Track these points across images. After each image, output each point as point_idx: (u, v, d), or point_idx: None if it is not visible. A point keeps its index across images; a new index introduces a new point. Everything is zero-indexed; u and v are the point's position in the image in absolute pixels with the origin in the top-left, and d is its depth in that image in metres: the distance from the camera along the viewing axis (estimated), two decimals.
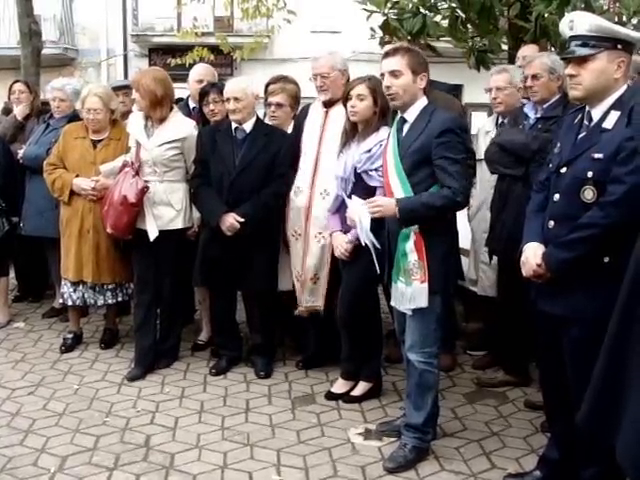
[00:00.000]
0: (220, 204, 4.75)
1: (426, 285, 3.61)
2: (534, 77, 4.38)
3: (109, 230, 4.94)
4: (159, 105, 4.85)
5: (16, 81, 6.78)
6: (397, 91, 3.70)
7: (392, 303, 3.84)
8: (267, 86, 5.22)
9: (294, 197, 4.75)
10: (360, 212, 3.81)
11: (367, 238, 3.88)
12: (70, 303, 5.35)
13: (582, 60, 3.03)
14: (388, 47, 4.12)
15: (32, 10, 9.87)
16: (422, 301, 3.63)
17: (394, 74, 3.69)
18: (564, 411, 3.28)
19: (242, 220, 4.68)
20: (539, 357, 3.60)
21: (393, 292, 3.79)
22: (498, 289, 4.87)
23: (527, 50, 5.38)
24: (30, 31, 9.68)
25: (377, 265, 3.96)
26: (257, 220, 4.71)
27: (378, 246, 3.91)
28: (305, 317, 4.86)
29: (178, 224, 4.97)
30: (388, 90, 3.73)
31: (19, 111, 6.40)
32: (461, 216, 5.13)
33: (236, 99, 4.75)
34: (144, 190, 4.84)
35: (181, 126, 4.96)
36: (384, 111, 4.22)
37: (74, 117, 5.65)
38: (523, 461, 3.83)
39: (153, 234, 4.88)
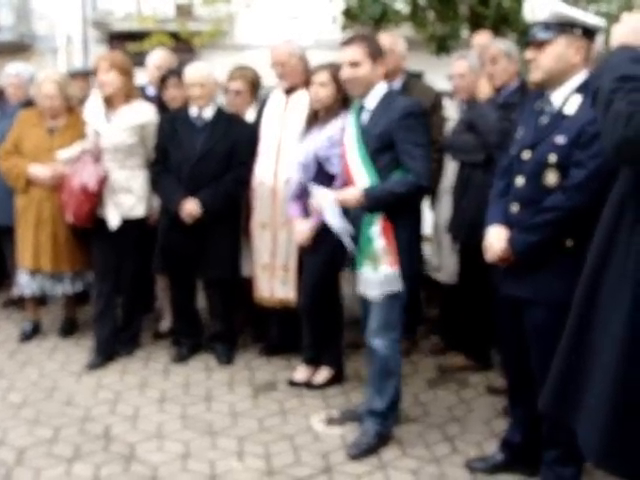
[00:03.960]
0: (179, 191, 4.72)
1: (396, 269, 3.61)
2: (493, 61, 4.40)
3: (70, 219, 4.86)
4: (131, 82, 4.86)
5: None
6: (358, 81, 3.69)
7: (358, 289, 3.82)
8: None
9: (259, 188, 4.71)
10: (328, 202, 3.77)
11: (340, 226, 3.84)
12: (29, 293, 5.26)
13: (541, 44, 3.07)
14: (347, 36, 4.10)
15: None
16: (395, 285, 3.63)
17: (353, 64, 3.67)
18: (526, 394, 3.33)
19: (201, 207, 4.65)
20: (501, 341, 3.62)
21: (358, 278, 3.78)
22: (460, 274, 4.89)
23: (480, 38, 5.39)
24: None
25: (351, 246, 3.88)
26: (216, 207, 4.70)
27: (352, 232, 3.83)
28: (268, 305, 4.84)
29: (139, 211, 4.92)
30: (347, 80, 3.73)
31: None
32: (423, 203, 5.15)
33: (201, 85, 4.72)
34: (104, 178, 4.78)
35: (141, 111, 4.90)
36: (346, 98, 4.21)
37: (29, 103, 5.54)
38: (485, 445, 3.86)
39: (114, 222, 4.83)
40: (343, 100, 4.23)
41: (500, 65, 4.38)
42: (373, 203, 3.60)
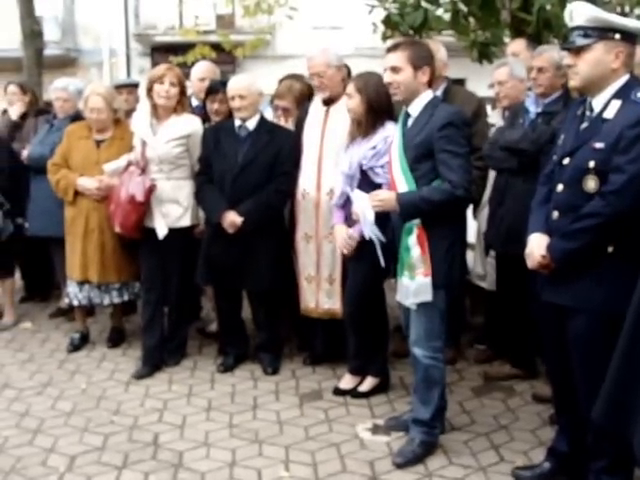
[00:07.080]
0: (222, 201, 4.73)
1: (429, 279, 3.60)
2: (540, 70, 4.35)
3: (118, 230, 4.94)
4: (186, 94, 5.03)
5: (9, 83, 6.81)
6: (397, 87, 3.71)
7: (397, 298, 3.83)
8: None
9: (302, 200, 4.73)
10: (363, 206, 3.81)
11: (371, 232, 3.89)
12: (76, 303, 5.35)
13: (579, 50, 3.05)
14: (391, 42, 4.11)
15: (34, 11, 9.90)
16: (426, 295, 3.61)
17: (394, 70, 3.70)
18: (572, 402, 3.30)
19: (243, 218, 4.66)
20: (545, 350, 3.59)
21: (398, 287, 3.79)
22: (497, 282, 4.86)
23: (515, 46, 5.35)
24: (32, 32, 9.71)
25: (382, 259, 3.96)
26: (259, 217, 4.69)
27: (383, 239, 3.91)
28: (314, 316, 4.85)
29: (186, 221, 4.98)
30: (390, 86, 3.75)
31: (13, 111, 6.47)
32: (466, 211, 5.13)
33: (241, 97, 4.73)
34: (151, 188, 4.85)
35: (187, 122, 4.96)
36: (378, 108, 4.19)
37: (77, 117, 5.66)
38: (531, 454, 3.83)
39: (162, 232, 4.90)
40: (376, 111, 4.20)
41: (546, 74, 4.31)
42: (407, 208, 3.59)
